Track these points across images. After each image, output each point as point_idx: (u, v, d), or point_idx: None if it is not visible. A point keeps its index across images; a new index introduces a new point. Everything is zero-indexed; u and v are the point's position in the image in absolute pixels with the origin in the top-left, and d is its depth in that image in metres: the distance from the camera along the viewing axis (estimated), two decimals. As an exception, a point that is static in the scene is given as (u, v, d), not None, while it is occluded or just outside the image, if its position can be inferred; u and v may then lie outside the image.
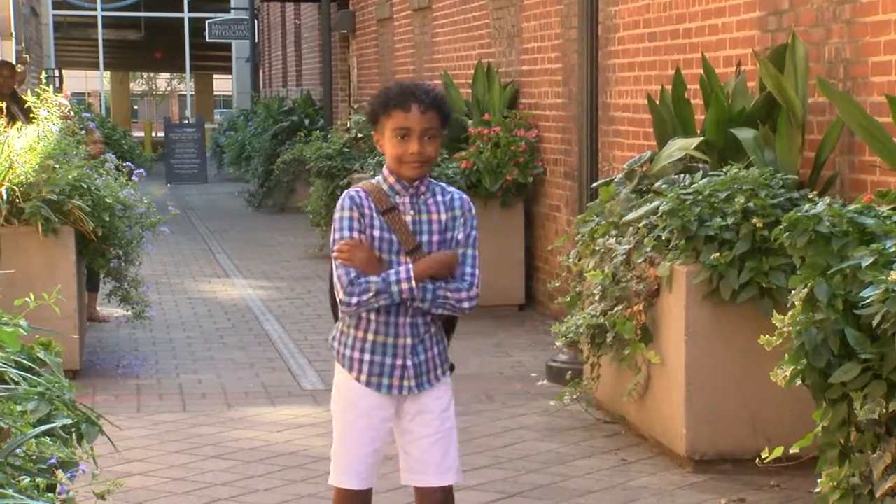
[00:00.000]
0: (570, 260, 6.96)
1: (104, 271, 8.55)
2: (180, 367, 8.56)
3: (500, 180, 10.25)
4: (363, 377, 3.86)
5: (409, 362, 3.86)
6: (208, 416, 7.15)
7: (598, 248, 6.54)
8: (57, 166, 7.99)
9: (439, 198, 3.88)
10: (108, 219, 8.03)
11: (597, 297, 6.44)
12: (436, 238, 3.84)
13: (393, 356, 3.86)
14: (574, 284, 6.93)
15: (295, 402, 7.50)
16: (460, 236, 3.87)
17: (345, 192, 3.89)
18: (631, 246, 6.26)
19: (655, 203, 6.16)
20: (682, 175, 6.45)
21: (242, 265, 13.87)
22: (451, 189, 3.94)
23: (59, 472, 2.91)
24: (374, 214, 3.81)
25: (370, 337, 3.85)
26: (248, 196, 20.73)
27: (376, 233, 3.80)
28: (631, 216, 6.36)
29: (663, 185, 6.37)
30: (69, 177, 7.88)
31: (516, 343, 9.23)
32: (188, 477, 5.96)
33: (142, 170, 9.16)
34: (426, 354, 3.89)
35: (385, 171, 3.87)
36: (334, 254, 3.80)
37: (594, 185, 7.60)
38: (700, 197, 5.94)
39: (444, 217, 3.86)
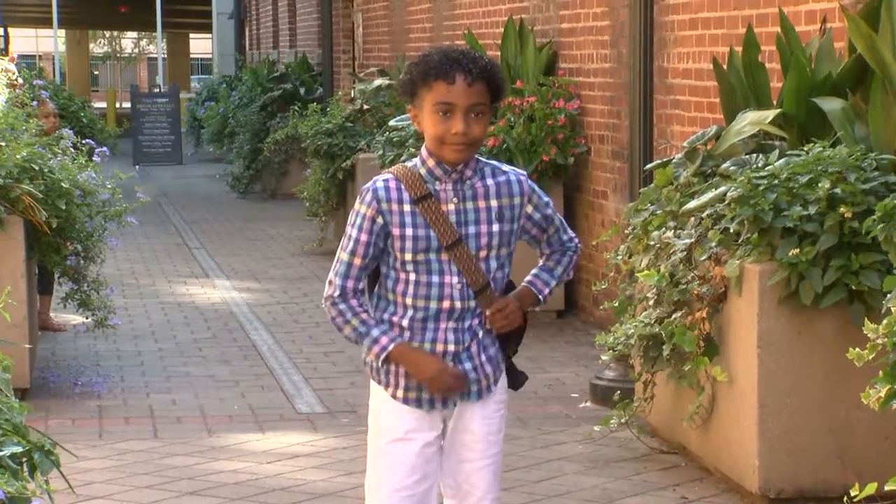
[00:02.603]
0: (619, 257, 6.96)
1: (59, 270, 8.58)
2: (150, 386, 8.59)
3: (535, 161, 10.26)
4: (399, 392, 3.93)
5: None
6: (184, 444, 7.18)
7: (652, 243, 6.54)
8: (3, 144, 8.02)
9: (490, 181, 3.93)
10: (64, 207, 8.06)
11: (651, 302, 6.44)
12: (485, 229, 3.89)
13: None
14: (624, 287, 6.93)
15: (288, 428, 7.53)
16: (541, 222, 4.01)
17: (372, 179, 3.94)
18: (692, 240, 6.26)
19: (722, 189, 6.16)
20: (755, 155, 6.45)
21: (225, 263, 13.91)
22: (507, 168, 4.00)
23: (8, 510, 2.93)
24: (406, 207, 3.85)
25: (383, 366, 3.93)
26: (232, 180, 20.78)
27: (408, 231, 3.85)
28: (693, 204, 6.36)
29: (732, 167, 6.37)
30: (17, 157, 7.92)
31: (554, 357, 9.24)
32: (160, 517, 6.00)
33: (105, 148, 9.18)
34: (472, 362, 3.94)
35: (424, 152, 3.91)
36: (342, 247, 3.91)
37: (648, 166, 7.60)
38: (776, 181, 5.93)
39: (496, 204, 3.92)
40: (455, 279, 3.88)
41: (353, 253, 3.88)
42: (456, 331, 3.91)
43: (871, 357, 4.24)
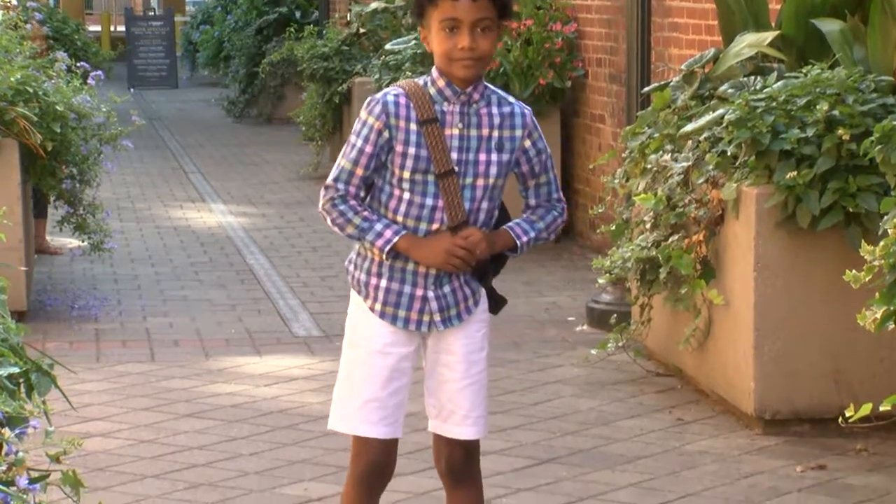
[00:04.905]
0: (616, 181, 6.95)
1: (55, 194, 8.57)
2: (147, 309, 8.61)
3: (532, 85, 10.22)
4: (377, 306, 3.95)
5: (430, 294, 3.95)
6: (181, 368, 7.21)
7: (649, 167, 6.53)
8: (-3, 67, 8.00)
9: (494, 109, 3.95)
10: (59, 130, 8.04)
11: (648, 226, 6.44)
12: (483, 157, 3.91)
13: (413, 285, 3.94)
14: (620, 210, 6.93)
15: (285, 351, 7.55)
16: (535, 165, 3.99)
17: (382, 91, 3.94)
18: (690, 163, 6.25)
19: (720, 111, 6.15)
20: (753, 77, 6.43)
21: (221, 187, 13.89)
22: (512, 100, 4.00)
23: (6, 430, 2.94)
24: (413, 126, 3.87)
25: (388, 260, 3.93)
26: (228, 104, 20.71)
27: (411, 150, 3.87)
28: (690, 127, 6.34)
29: (730, 90, 6.35)
30: (11, 79, 7.89)
31: (551, 281, 9.25)
32: (158, 439, 6.02)
33: (99, 72, 9.15)
34: (452, 284, 3.96)
35: (434, 72, 3.93)
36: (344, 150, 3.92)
37: (646, 90, 7.58)
38: (774, 104, 5.92)
39: (497, 134, 3.94)
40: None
41: (356, 163, 3.88)
42: None
43: (867, 279, 4.25)
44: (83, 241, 8.85)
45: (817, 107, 5.80)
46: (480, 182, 3.92)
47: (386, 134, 3.86)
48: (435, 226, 3.90)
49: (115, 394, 6.70)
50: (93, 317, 8.35)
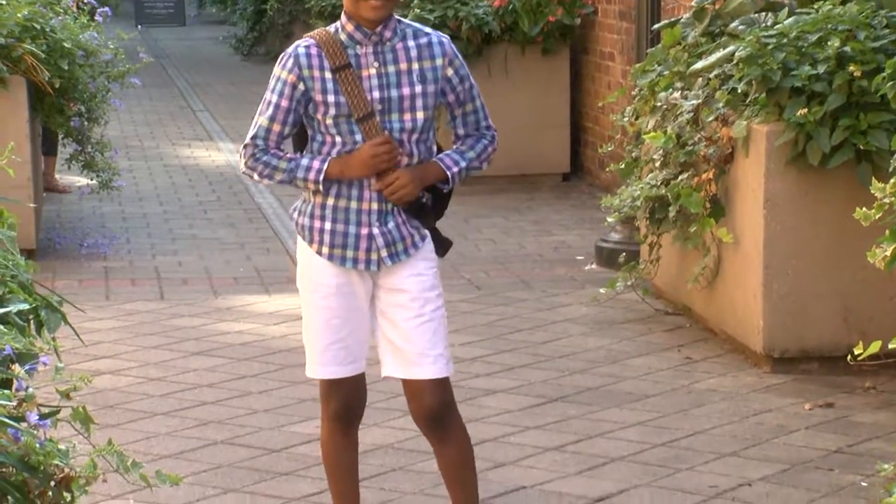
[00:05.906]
0: (626, 119, 6.95)
1: (63, 131, 8.58)
2: (156, 248, 8.63)
3: (541, 21, 10.18)
4: (325, 249, 3.96)
5: (375, 230, 3.93)
6: (190, 306, 7.23)
7: (659, 104, 6.52)
8: (4, 3, 7.96)
9: (411, 42, 3.93)
10: (66, 67, 8.03)
11: (657, 164, 6.44)
12: (407, 92, 3.89)
13: (357, 224, 3.93)
14: (630, 149, 6.92)
15: (293, 290, 7.45)
16: (460, 93, 3.96)
17: (294, 45, 3.93)
18: (700, 101, 6.24)
19: (730, 48, 6.13)
20: (764, 13, 6.40)
21: (229, 126, 13.87)
22: (429, 31, 3.98)
23: (16, 366, 2.95)
24: (327, 74, 3.85)
25: (330, 201, 3.94)
26: (236, 42, 20.66)
27: (330, 97, 3.86)
28: (700, 65, 6.33)
29: (740, 27, 6.33)
30: (18, 15, 7.87)
31: (560, 220, 9.26)
32: (167, 377, 6.05)
33: (106, 8, 9.12)
34: (395, 220, 3.95)
35: (343, 16, 3.92)
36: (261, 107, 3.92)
37: (656, 26, 7.55)
38: (785, 40, 5.89)
39: (417, 66, 3.91)
40: None
41: (272, 119, 3.89)
42: (380, 191, 3.91)
43: (877, 217, 4.25)
44: (92, 180, 8.86)
45: (828, 43, 5.78)
46: (408, 116, 3.89)
47: (301, 86, 3.86)
48: None
49: (124, 332, 6.73)
50: (102, 255, 8.37)
